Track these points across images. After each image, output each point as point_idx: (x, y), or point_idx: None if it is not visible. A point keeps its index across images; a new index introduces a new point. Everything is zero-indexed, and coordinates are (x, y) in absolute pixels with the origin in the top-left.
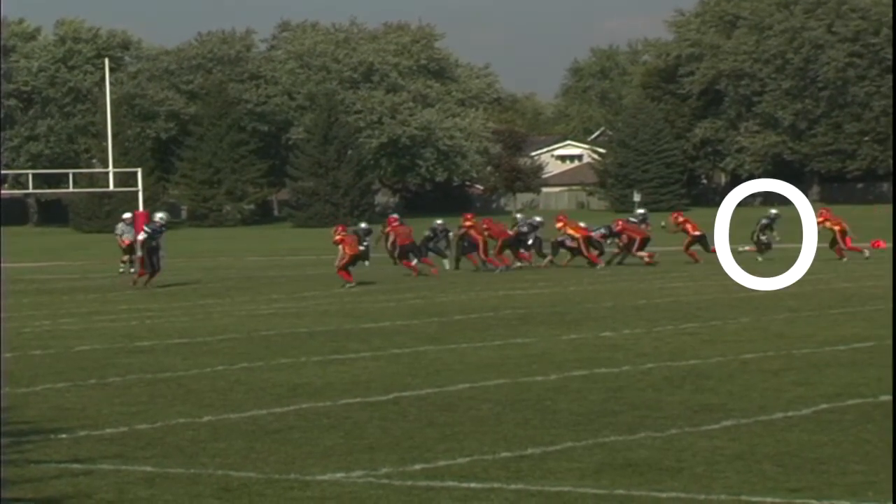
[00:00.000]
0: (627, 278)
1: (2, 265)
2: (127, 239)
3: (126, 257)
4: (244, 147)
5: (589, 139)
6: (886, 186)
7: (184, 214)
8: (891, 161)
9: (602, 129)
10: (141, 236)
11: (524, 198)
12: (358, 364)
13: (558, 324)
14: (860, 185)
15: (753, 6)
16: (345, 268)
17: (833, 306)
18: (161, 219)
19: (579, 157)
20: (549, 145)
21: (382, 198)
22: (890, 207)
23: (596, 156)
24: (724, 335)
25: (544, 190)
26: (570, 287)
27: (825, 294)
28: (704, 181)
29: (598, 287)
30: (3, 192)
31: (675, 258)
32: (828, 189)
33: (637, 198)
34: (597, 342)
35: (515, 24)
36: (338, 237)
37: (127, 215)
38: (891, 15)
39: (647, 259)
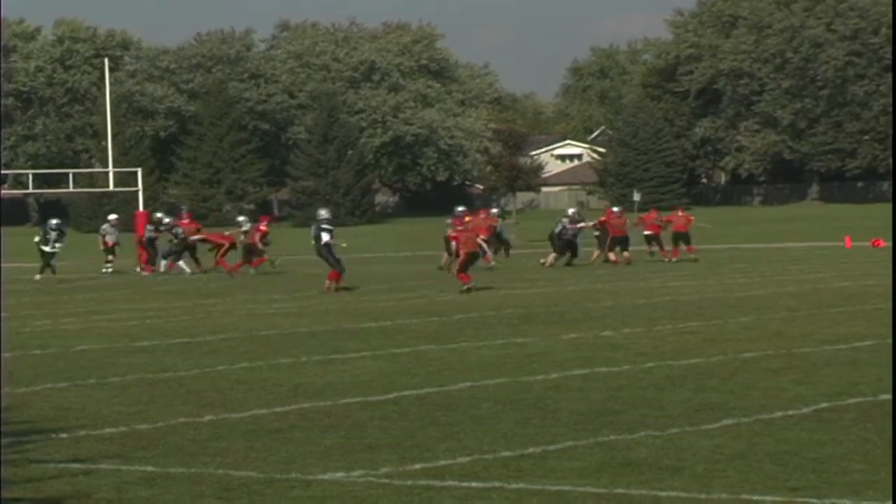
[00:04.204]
0: (627, 277)
1: (2, 265)
2: (110, 240)
3: (111, 258)
4: (244, 146)
5: (589, 138)
6: (886, 185)
7: (184, 214)
8: (890, 160)
9: (602, 128)
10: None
11: (524, 197)
12: (358, 363)
13: (558, 323)
14: (860, 184)
15: (752, 5)
16: (464, 269)
17: (833, 305)
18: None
19: (579, 157)
20: (549, 145)
21: (382, 197)
22: (889, 206)
23: (596, 155)
24: (724, 334)
25: (544, 189)
26: (570, 287)
27: (825, 293)
28: (704, 180)
29: (597, 286)
30: (3, 192)
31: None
32: (827, 188)
33: (637, 197)
34: (597, 341)
35: (515, 24)
36: (452, 234)
37: (112, 217)
38: (890, 14)
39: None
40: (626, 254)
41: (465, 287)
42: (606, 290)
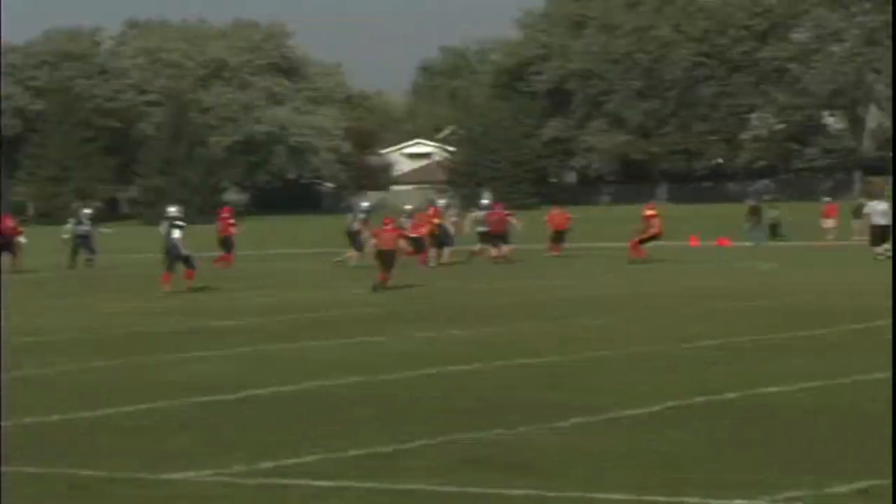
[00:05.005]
0: (487, 277)
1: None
2: None
3: None
4: (92, 144)
5: (439, 137)
6: (732, 186)
7: (31, 212)
8: (737, 161)
9: (452, 127)
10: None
11: (374, 196)
12: (209, 363)
13: (413, 321)
14: (707, 185)
15: (602, 6)
16: (385, 268)
17: (683, 304)
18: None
19: (429, 156)
20: (399, 143)
21: (232, 196)
22: (733, 207)
23: (446, 154)
24: (577, 333)
25: (394, 188)
26: (427, 285)
27: (676, 292)
28: (554, 180)
29: (455, 284)
30: None
31: (538, 256)
32: (675, 188)
33: (487, 196)
34: (451, 339)
35: (367, 23)
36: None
37: None
38: (737, 15)
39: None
40: (505, 248)
41: (377, 284)
42: (465, 289)
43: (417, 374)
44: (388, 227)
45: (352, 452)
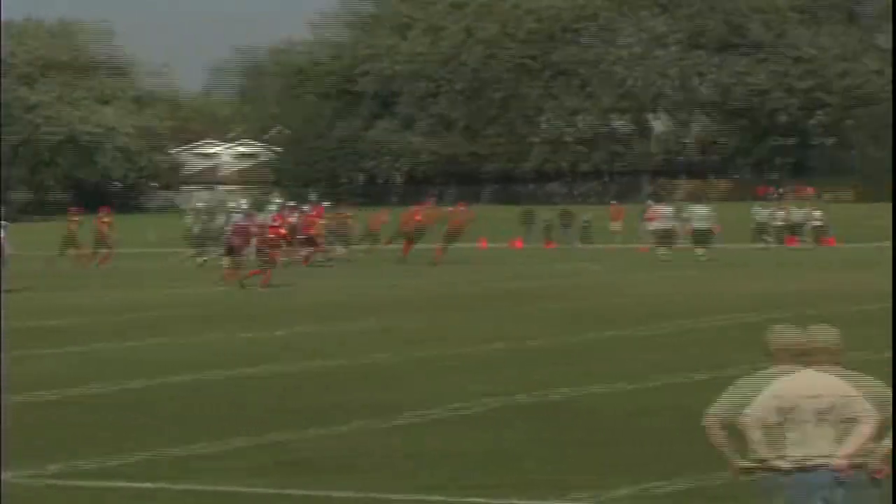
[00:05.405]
0: (308, 276)
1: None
2: None
3: None
4: None
5: (265, 137)
6: (556, 186)
7: None
8: (561, 163)
9: (279, 127)
10: None
11: (188, 196)
12: (33, 362)
13: (238, 321)
14: (531, 186)
15: (428, 8)
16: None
17: (507, 306)
18: None
19: (255, 156)
20: (224, 143)
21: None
22: (556, 209)
23: (271, 154)
24: (400, 334)
25: (220, 188)
26: (252, 285)
27: (499, 294)
28: (381, 181)
29: (282, 285)
30: None
31: (367, 258)
32: (501, 190)
33: (314, 196)
34: (273, 340)
35: (193, 24)
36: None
37: None
38: (565, 18)
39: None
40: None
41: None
42: (290, 290)
43: (241, 375)
44: (273, 226)
45: (172, 454)
